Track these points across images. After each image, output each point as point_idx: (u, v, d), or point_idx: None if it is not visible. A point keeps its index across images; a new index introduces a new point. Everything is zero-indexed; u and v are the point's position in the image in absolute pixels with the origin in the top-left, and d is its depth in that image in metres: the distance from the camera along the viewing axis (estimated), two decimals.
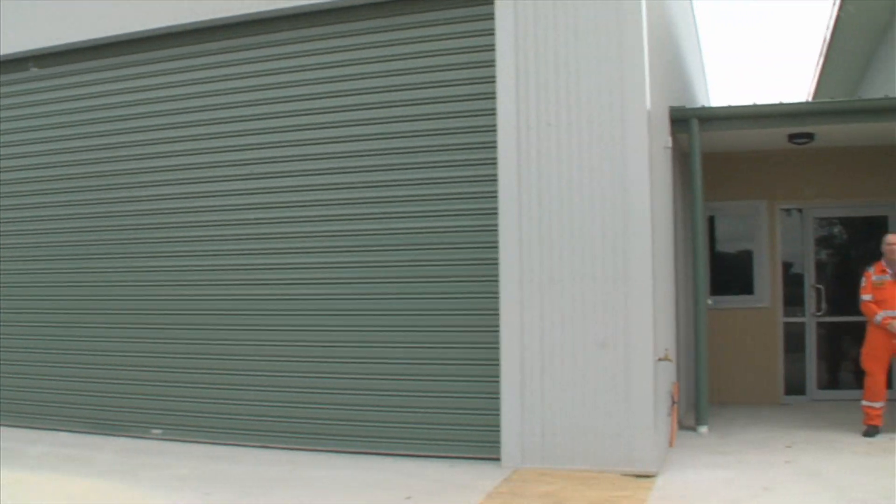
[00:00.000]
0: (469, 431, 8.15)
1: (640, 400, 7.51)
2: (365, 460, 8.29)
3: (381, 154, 8.55)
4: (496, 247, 7.95)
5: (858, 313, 9.69)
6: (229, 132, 9.18)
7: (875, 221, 11.78)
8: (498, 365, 7.90)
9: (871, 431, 9.21)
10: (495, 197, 7.96)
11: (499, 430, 7.89)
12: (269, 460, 8.37)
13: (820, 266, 12.09)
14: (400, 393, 8.42)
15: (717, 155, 11.23)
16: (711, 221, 12.19)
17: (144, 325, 9.58)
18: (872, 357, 9.36)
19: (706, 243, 11.27)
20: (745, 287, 12.01)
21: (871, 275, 9.45)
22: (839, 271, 12.18)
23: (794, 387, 11.85)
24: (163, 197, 9.55)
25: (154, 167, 9.58)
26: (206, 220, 9.32)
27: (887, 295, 9.26)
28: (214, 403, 9.16)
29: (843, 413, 10.47)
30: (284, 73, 8.98)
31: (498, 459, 7.89)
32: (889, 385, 9.81)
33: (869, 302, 9.36)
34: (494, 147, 7.97)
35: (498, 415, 7.90)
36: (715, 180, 11.36)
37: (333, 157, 8.74)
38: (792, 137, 10.51)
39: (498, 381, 7.90)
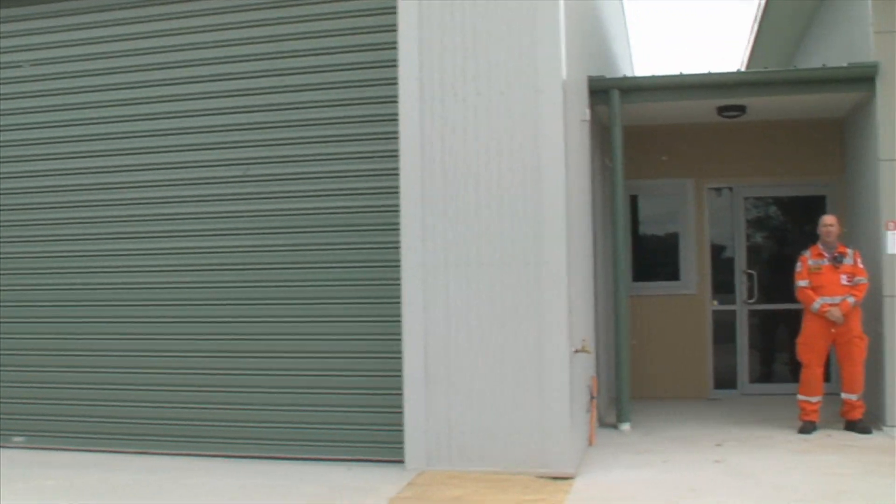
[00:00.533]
0: (370, 431, 8.26)
1: (555, 395, 7.65)
2: (256, 465, 8.28)
3: (269, 128, 8.56)
4: (397, 229, 8.03)
5: (794, 301, 9.99)
6: (102, 101, 9.08)
7: (812, 202, 12.11)
8: (401, 358, 7.99)
9: (807, 428, 9.49)
10: (396, 175, 8.04)
11: (402, 430, 8.00)
12: (148, 468, 8.31)
13: (752, 250, 12.39)
14: (292, 390, 8.49)
15: (640, 129, 11.44)
16: (634, 201, 12.44)
17: None
18: (809, 348, 9.61)
19: (628, 225, 11.48)
20: (671, 272, 12.30)
21: (808, 259, 9.70)
22: (773, 255, 12.53)
23: (725, 380, 12.18)
24: (12, 175, 9.42)
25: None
26: (64, 201, 9.21)
27: (825, 280, 9.52)
28: (85, 406, 9.07)
29: (777, 408, 10.79)
30: (164, 36, 8.91)
31: (402, 462, 8.00)
32: (827, 378, 10.10)
33: (805, 288, 9.61)
34: (395, 120, 8.04)
35: (401, 413, 7.99)
36: (638, 157, 11.54)
37: (217, 131, 8.72)
38: (722, 110, 10.77)
39: (401, 377, 7.99)
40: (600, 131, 10.72)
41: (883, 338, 9.49)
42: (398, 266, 8.03)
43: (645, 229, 12.72)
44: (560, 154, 7.69)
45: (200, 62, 8.80)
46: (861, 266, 9.54)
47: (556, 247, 7.67)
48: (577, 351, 8.06)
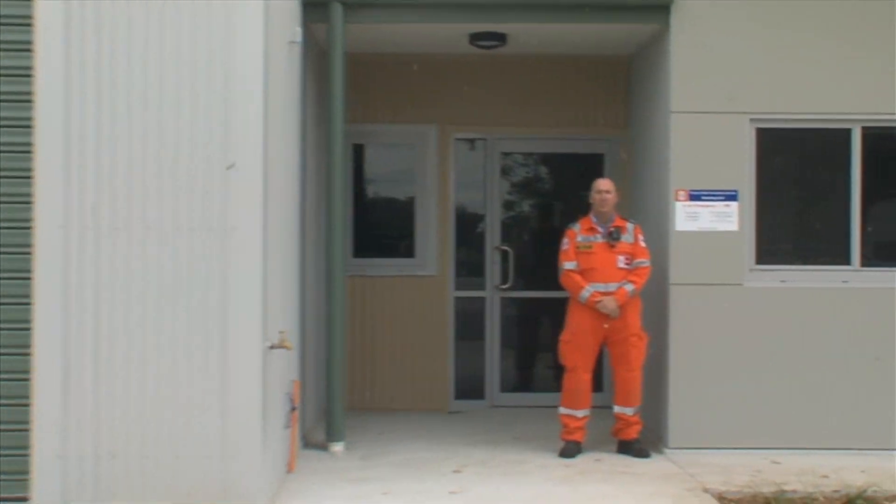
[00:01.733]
0: None
1: (242, 404, 7.64)
2: None
3: None
4: (29, 177, 7.75)
5: (560, 287, 10.11)
6: None
7: (587, 161, 12.39)
8: (30, 355, 7.73)
9: (570, 450, 9.72)
10: (30, 101, 7.76)
11: (28, 455, 7.73)
12: None
13: (510, 221, 12.61)
14: None
15: (370, 58, 11.55)
16: (359, 152, 12.44)
17: None
18: (575, 347, 9.75)
19: (348, 183, 11.54)
20: (406, 247, 12.39)
21: (576, 234, 9.84)
22: (537, 228, 12.82)
23: (470, 388, 12.36)
24: None
25: None
26: None
27: (597, 262, 9.69)
28: None
29: (535, 424, 11.09)
30: None
31: (26, 500, 7.74)
32: (598, 387, 10.41)
33: (572, 272, 9.75)
34: (29, 25, 7.74)
35: (27, 431, 7.72)
36: (366, 94, 11.69)
37: None
38: (475, 39, 10.88)
39: (28, 380, 7.73)
40: (317, 59, 10.71)
41: (667, 337, 9.86)
42: (29, 228, 7.74)
43: (373, 189, 12.76)
44: (258, 86, 7.70)
45: None
46: (643, 245, 9.79)
47: (249, 208, 7.67)
48: (273, 346, 8.03)
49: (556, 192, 12.98)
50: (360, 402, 11.60)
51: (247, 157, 7.64)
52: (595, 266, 9.70)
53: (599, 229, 9.79)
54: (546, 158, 12.85)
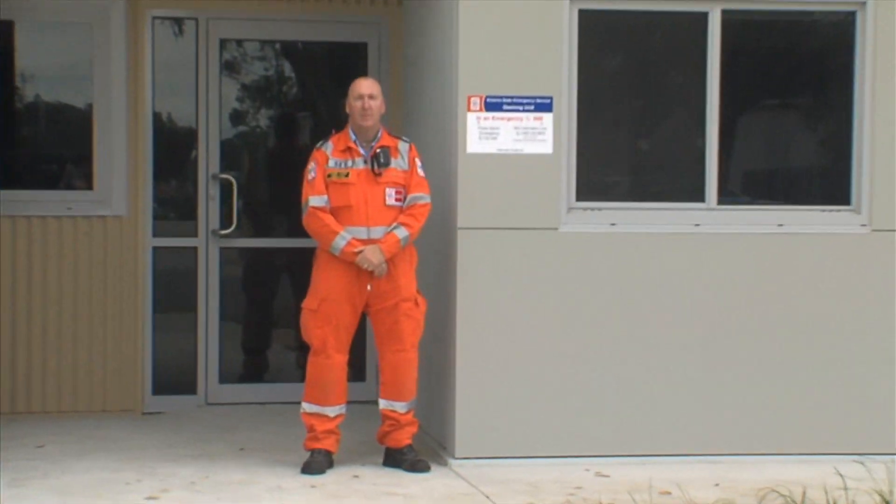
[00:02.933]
0: None
1: None
2: None
3: None
4: None
5: (305, 233, 9.78)
6: None
7: (345, 54, 12.54)
8: None
9: (317, 463, 9.40)
10: None
11: None
12: None
13: (237, 140, 12.47)
14: None
15: None
16: (6, 35, 11.92)
17: None
18: (324, 319, 9.42)
19: None
20: (80, 176, 11.92)
21: (327, 157, 9.48)
22: (275, 150, 12.83)
23: (176, 380, 12.14)
24: None
25: None
26: None
27: (357, 197, 9.36)
28: None
29: (268, 428, 11.07)
30: None
31: None
32: (358, 374, 10.57)
33: (320, 210, 9.39)
34: None
35: None
36: None
37: None
38: None
39: None
40: None
41: (454, 304, 9.67)
42: None
43: (30, 91, 12.27)
44: None
45: None
46: (421, 174, 9.51)
47: None
48: None
49: (303, 99, 12.98)
50: (9, 404, 11.16)
51: None
52: (354, 202, 9.34)
53: (360, 151, 9.42)
54: (287, 49, 12.75)
